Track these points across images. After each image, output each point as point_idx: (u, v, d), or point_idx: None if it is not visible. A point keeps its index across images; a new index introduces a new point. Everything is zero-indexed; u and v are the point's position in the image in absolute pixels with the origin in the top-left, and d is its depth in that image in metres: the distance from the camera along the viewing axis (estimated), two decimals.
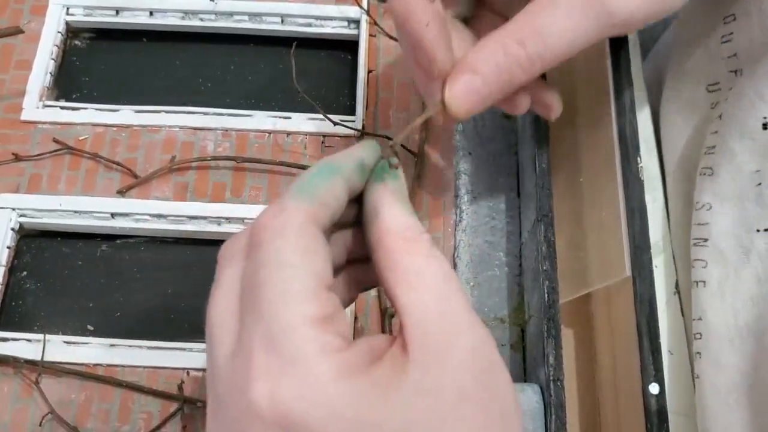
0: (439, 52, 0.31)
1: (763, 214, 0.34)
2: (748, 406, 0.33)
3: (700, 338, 0.36)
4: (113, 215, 0.46)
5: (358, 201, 0.29)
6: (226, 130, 0.49)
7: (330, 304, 0.24)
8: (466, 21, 0.38)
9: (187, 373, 0.43)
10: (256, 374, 0.22)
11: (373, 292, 0.45)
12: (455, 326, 0.24)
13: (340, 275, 0.31)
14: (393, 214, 0.26)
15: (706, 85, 0.40)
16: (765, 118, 0.34)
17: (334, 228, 0.29)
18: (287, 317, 0.22)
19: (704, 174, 0.37)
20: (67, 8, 0.52)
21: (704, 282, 0.36)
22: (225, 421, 0.23)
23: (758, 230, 0.35)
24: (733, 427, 0.34)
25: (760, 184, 0.34)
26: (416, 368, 0.23)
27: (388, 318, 0.44)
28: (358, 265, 0.31)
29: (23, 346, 0.43)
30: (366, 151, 0.29)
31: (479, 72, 0.31)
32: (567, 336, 0.40)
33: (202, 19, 0.52)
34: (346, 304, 0.31)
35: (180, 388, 0.42)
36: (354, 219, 0.30)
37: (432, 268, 0.25)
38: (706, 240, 0.36)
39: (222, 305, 0.25)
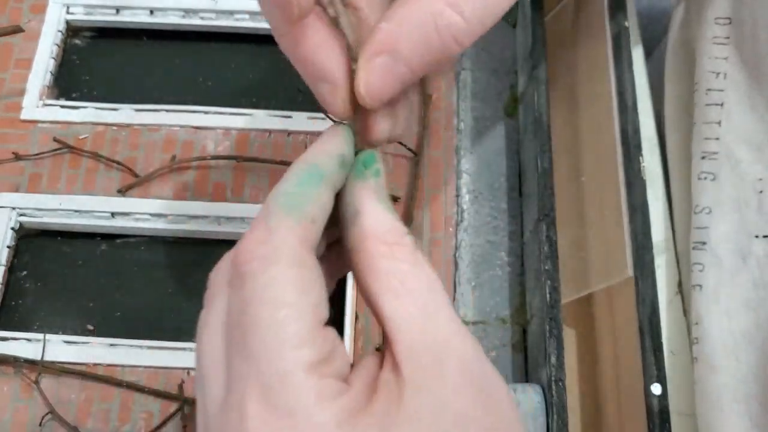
0: None
1: (762, 220, 0.35)
2: (745, 414, 0.34)
3: (697, 343, 0.36)
4: (113, 215, 0.46)
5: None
6: (227, 130, 0.49)
7: (327, 342, 0.22)
8: None
9: (188, 373, 0.43)
10: (251, 427, 0.20)
11: None
12: (445, 342, 0.22)
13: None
14: (375, 216, 0.24)
15: (705, 89, 0.40)
16: None
17: None
18: (282, 365, 0.20)
19: (704, 179, 0.37)
20: (68, 7, 0.52)
21: (701, 286, 0.36)
22: None
23: (757, 236, 0.35)
24: None
25: (761, 191, 0.36)
26: (413, 395, 0.21)
27: None
28: (333, 254, 0.28)
29: (23, 345, 0.43)
30: (343, 143, 0.26)
31: (402, 53, 0.24)
32: (569, 336, 0.40)
33: (202, 18, 0.52)
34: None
35: (180, 388, 0.42)
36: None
37: (417, 276, 0.23)
38: (704, 243, 0.37)
39: (210, 344, 0.22)
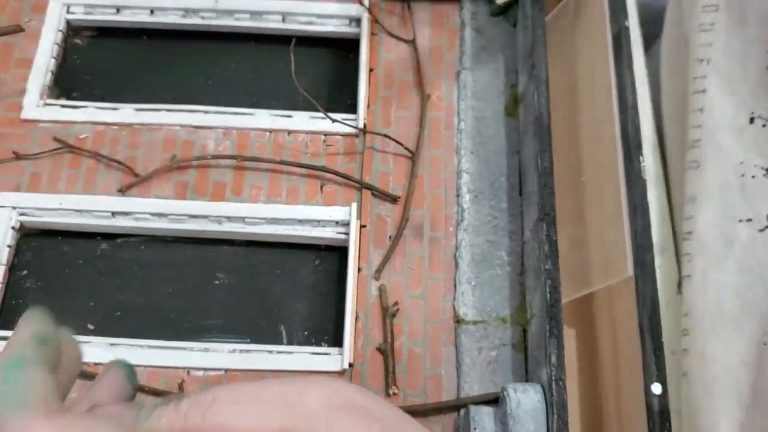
0: None
1: (746, 204, 0.36)
2: (735, 400, 0.34)
3: (687, 334, 0.36)
4: (114, 214, 0.46)
5: None
6: (227, 129, 0.49)
7: None
8: None
9: (188, 373, 0.43)
10: None
11: (374, 291, 0.45)
12: None
13: None
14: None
15: (692, 77, 0.40)
16: (752, 113, 0.36)
17: None
18: None
19: (691, 167, 0.38)
20: (68, 6, 0.52)
21: (690, 276, 0.37)
22: None
23: (741, 220, 0.36)
24: (720, 421, 0.34)
25: (743, 175, 0.36)
26: None
27: (389, 317, 0.43)
28: None
29: None
30: (33, 324, 0.25)
31: None
32: (569, 336, 0.40)
33: (203, 18, 0.52)
34: None
35: (180, 387, 0.42)
36: None
37: None
38: (690, 233, 0.37)
39: None
